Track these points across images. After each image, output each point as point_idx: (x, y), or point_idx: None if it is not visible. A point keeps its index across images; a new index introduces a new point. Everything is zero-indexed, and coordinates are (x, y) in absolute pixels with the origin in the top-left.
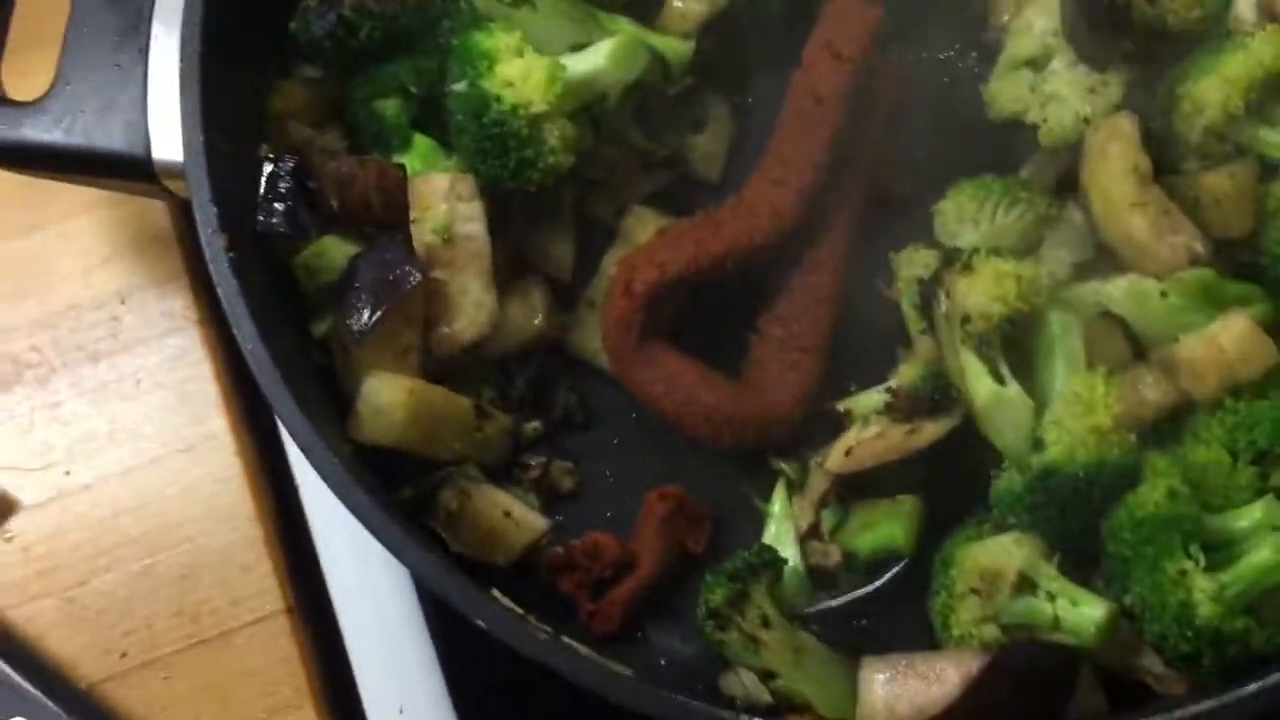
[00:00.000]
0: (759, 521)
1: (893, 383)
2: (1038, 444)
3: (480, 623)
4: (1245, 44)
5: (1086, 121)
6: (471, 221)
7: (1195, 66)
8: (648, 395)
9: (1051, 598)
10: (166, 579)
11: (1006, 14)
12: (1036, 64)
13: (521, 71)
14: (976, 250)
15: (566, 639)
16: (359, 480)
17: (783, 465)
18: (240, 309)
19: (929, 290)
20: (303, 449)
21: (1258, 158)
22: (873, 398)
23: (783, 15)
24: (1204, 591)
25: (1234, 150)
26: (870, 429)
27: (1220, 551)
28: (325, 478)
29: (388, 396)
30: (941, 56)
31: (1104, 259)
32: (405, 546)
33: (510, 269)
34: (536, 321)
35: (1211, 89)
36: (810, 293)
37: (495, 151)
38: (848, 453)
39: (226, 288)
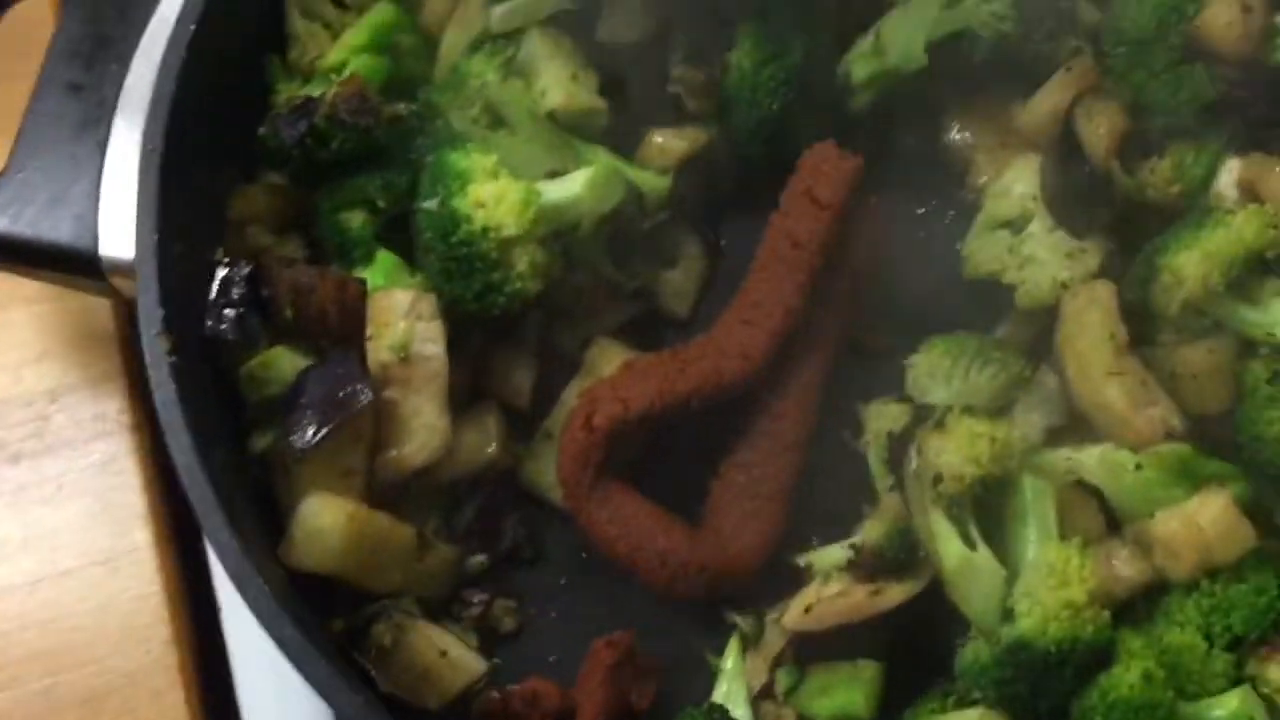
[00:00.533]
0: (709, 677)
1: (857, 539)
2: (1008, 615)
3: None
4: (1226, 221)
5: (1064, 286)
6: (431, 342)
7: (1175, 240)
8: (601, 536)
9: None
10: (69, 702)
11: (985, 175)
12: (1014, 225)
13: (495, 194)
14: (950, 408)
15: None
16: (288, 611)
17: (737, 619)
18: (177, 417)
19: (899, 446)
20: (231, 574)
21: (1235, 335)
22: (835, 553)
23: (762, 158)
24: None
25: (1212, 325)
26: (832, 586)
27: None
28: (252, 607)
29: (327, 519)
30: (919, 211)
31: (1077, 426)
32: (332, 685)
33: (466, 393)
34: (490, 449)
35: (1191, 263)
36: (775, 439)
37: (461, 272)
38: (807, 610)
39: (164, 393)
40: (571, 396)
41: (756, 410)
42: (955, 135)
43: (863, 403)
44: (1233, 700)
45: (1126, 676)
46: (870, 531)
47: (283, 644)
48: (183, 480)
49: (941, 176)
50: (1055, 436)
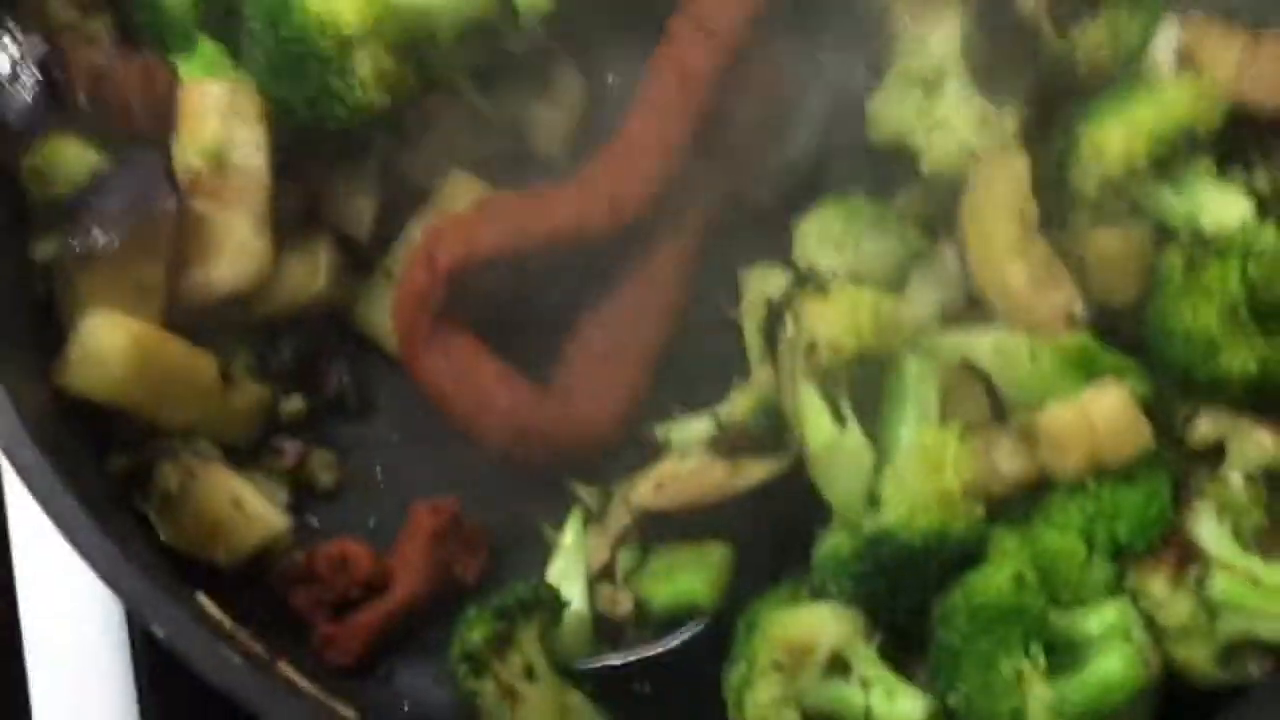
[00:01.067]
0: (544, 552)
1: (721, 412)
2: (874, 503)
3: (157, 630)
4: (1157, 91)
5: (975, 155)
6: (250, 147)
7: (1099, 109)
8: (436, 389)
9: (865, 685)
10: None
11: (902, 24)
12: (927, 84)
13: None
14: (834, 274)
15: (285, 666)
16: (35, 434)
17: (581, 491)
18: None
19: (775, 311)
20: None
21: (1154, 219)
22: (696, 426)
23: None
24: (1040, 700)
25: (1129, 209)
26: (688, 462)
27: (1063, 655)
28: None
29: (108, 339)
30: (822, 59)
31: (972, 308)
32: (79, 526)
33: (297, 219)
34: (318, 283)
35: (1114, 136)
36: (645, 299)
37: (292, 71)
38: (659, 485)
39: None
40: (416, 232)
41: (625, 267)
42: None
43: (743, 266)
44: (1110, 612)
45: (996, 577)
46: (737, 405)
47: (21, 469)
48: None
49: (852, 20)
50: (947, 317)
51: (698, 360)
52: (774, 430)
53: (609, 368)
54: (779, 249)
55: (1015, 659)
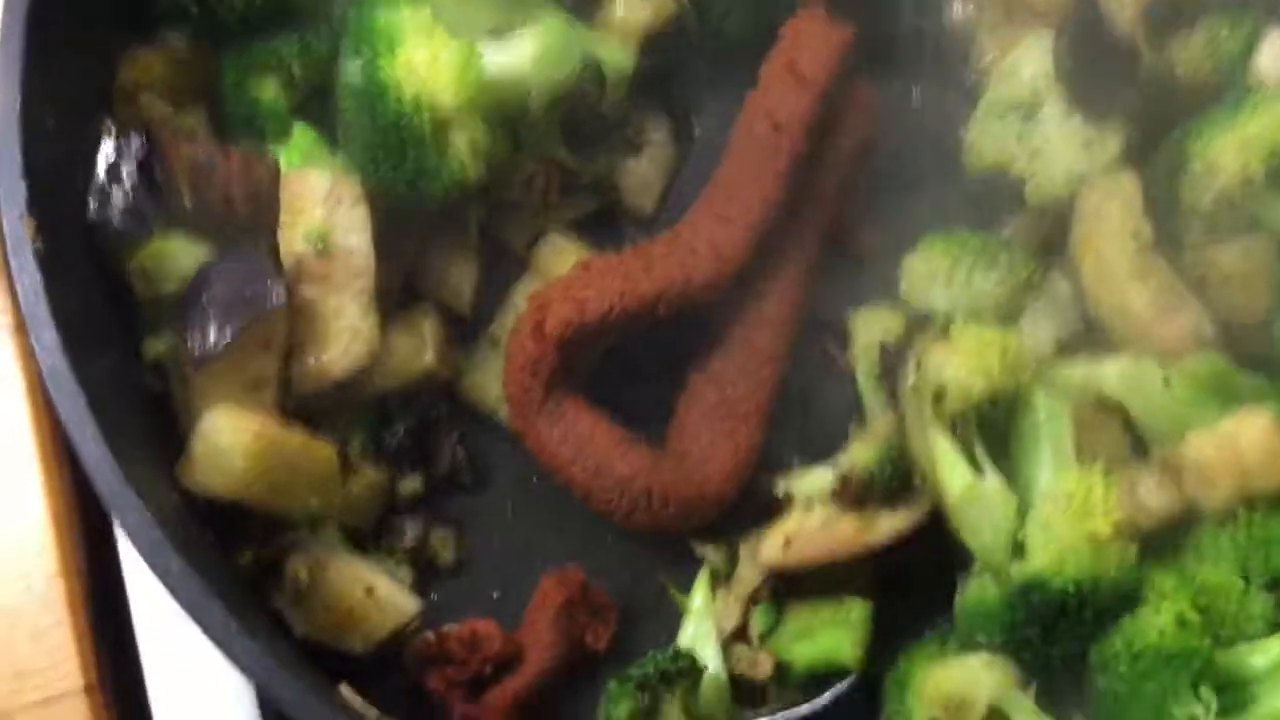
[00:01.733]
0: (674, 618)
1: (843, 462)
2: (1019, 550)
3: None
4: (1267, 102)
5: (1081, 179)
6: (353, 232)
7: (1208, 125)
8: (552, 458)
9: None
10: None
11: (990, 54)
12: (1023, 111)
13: (429, 57)
14: (953, 316)
15: None
16: (174, 539)
17: (706, 552)
18: (41, 310)
19: (895, 357)
20: (103, 492)
21: (1275, 232)
22: (818, 477)
23: (739, 30)
24: None
25: (1248, 222)
26: (814, 516)
27: (1229, 693)
28: (128, 530)
29: (230, 436)
30: (916, 93)
31: (1092, 337)
32: (226, 630)
33: (399, 295)
34: (426, 358)
35: (1227, 151)
36: (752, 351)
37: (390, 153)
38: (786, 543)
39: (26, 283)
40: (519, 299)
41: (730, 318)
42: (958, 8)
43: (850, 310)
44: (1275, 647)
45: (1156, 620)
46: (857, 454)
47: (165, 576)
48: (46, 384)
49: (942, 55)
50: (1068, 350)
51: (810, 409)
52: (902, 478)
53: (722, 424)
54: (885, 289)
55: (1187, 704)
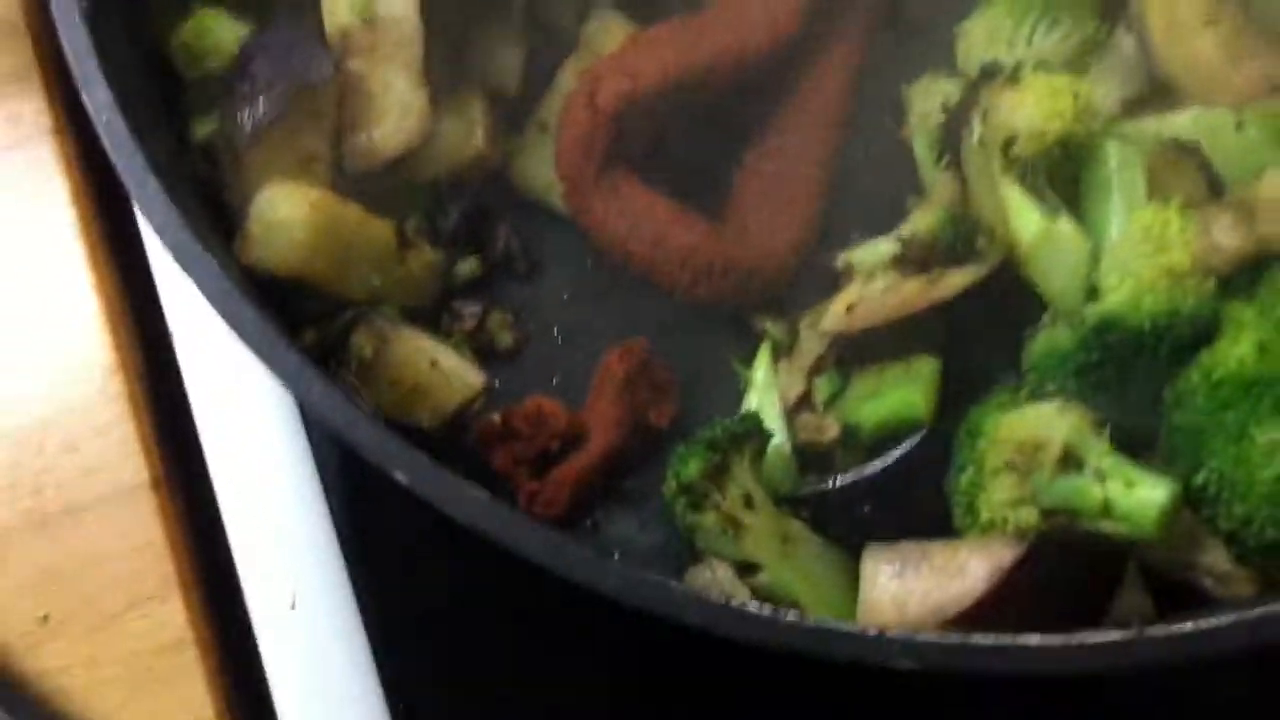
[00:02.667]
0: (737, 391)
1: (904, 231)
2: (1093, 293)
3: (400, 476)
4: None
5: None
6: (397, 1)
7: None
8: (610, 235)
9: (1102, 477)
10: (2, 439)
11: None
12: None
13: None
14: (1023, 63)
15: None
16: (248, 295)
17: (768, 325)
18: (93, 70)
19: (959, 114)
20: (169, 247)
21: None
22: (880, 248)
23: None
24: None
25: None
26: (876, 283)
27: None
28: (202, 287)
29: (287, 210)
30: None
31: (1159, 95)
32: (303, 377)
33: (446, 77)
34: (475, 141)
35: None
36: (809, 119)
37: None
38: (850, 309)
39: (76, 42)
40: (568, 79)
41: (785, 88)
42: None
43: (906, 83)
44: None
45: (1235, 350)
46: (919, 221)
47: (244, 332)
48: (105, 143)
49: None
50: (1133, 109)
51: (869, 187)
52: (966, 239)
53: (782, 194)
54: (941, 60)
55: (1270, 427)
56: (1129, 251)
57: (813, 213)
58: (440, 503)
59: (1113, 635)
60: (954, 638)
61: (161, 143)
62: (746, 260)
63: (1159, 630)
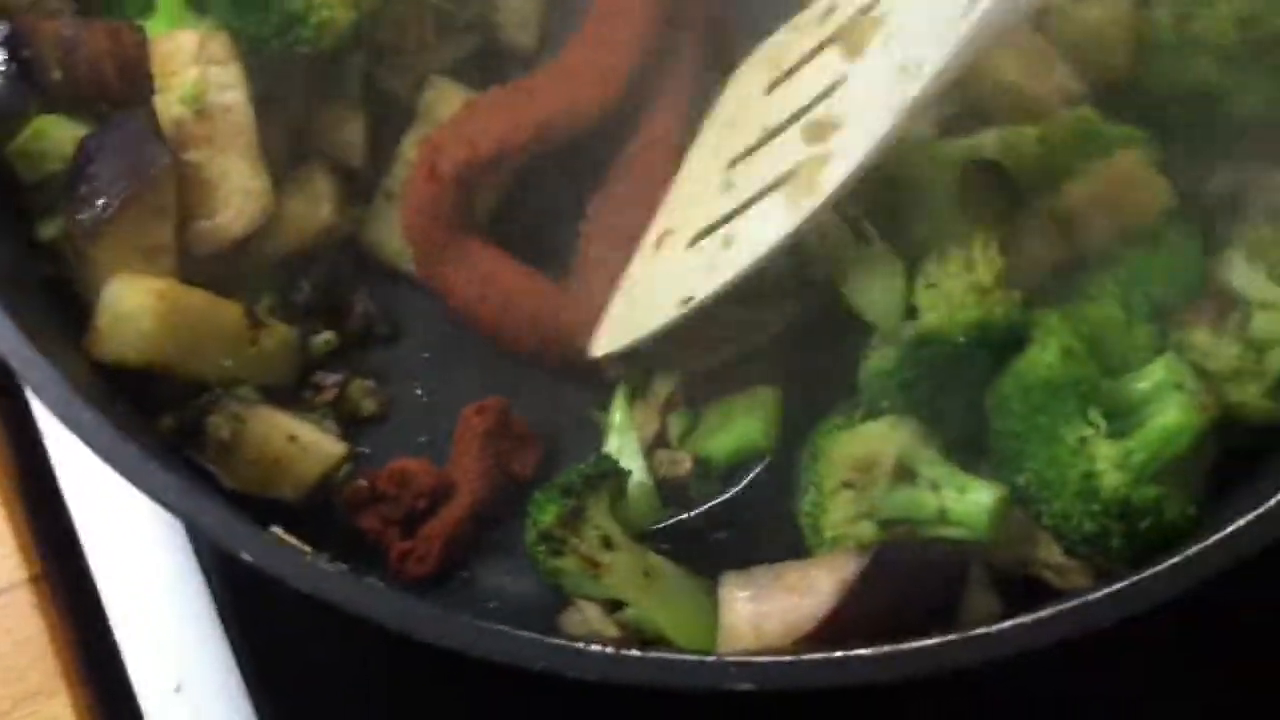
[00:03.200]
0: (598, 436)
1: None
2: (910, 312)
3: (246, 556)
4: None
5: None
6: (229, 89)
7: None
8: (460, 300)
9: (935, 486)
10: None
11: None
12: None
13: None
14: None
15: (370, 579)
16: (86, 396)
17: (619, 371)
18: None
19: None
20: (10, 358)
21: None
22: None
23: None
24: (1108, 460)
25: None
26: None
27: (1122, 419)
28: (40, 393)
29: (132, 301)
30: None
31: (970, 117)
32: (146, 470)
33: (289, 155)
34: (323, 214)
35: None
36: (646, 171)
37: (254, 4)
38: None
39: None
40: (410, 148)
41: (620, 135)
42: None
43: None
44: (1158, 370)
45: (1043, 356)
46: None
47: (82, 430)
48: None
49: None
50: (949, 131)
51: None
52: (797, 269)
53: (623, 248)
54: None
55: (1077, 427)
56: (939, 273)
57: None
58: (286, 578)
59: (931, 640)
60: (786, 656)
61: (7, 248)
62: (593, 319)
63: (975, 631)
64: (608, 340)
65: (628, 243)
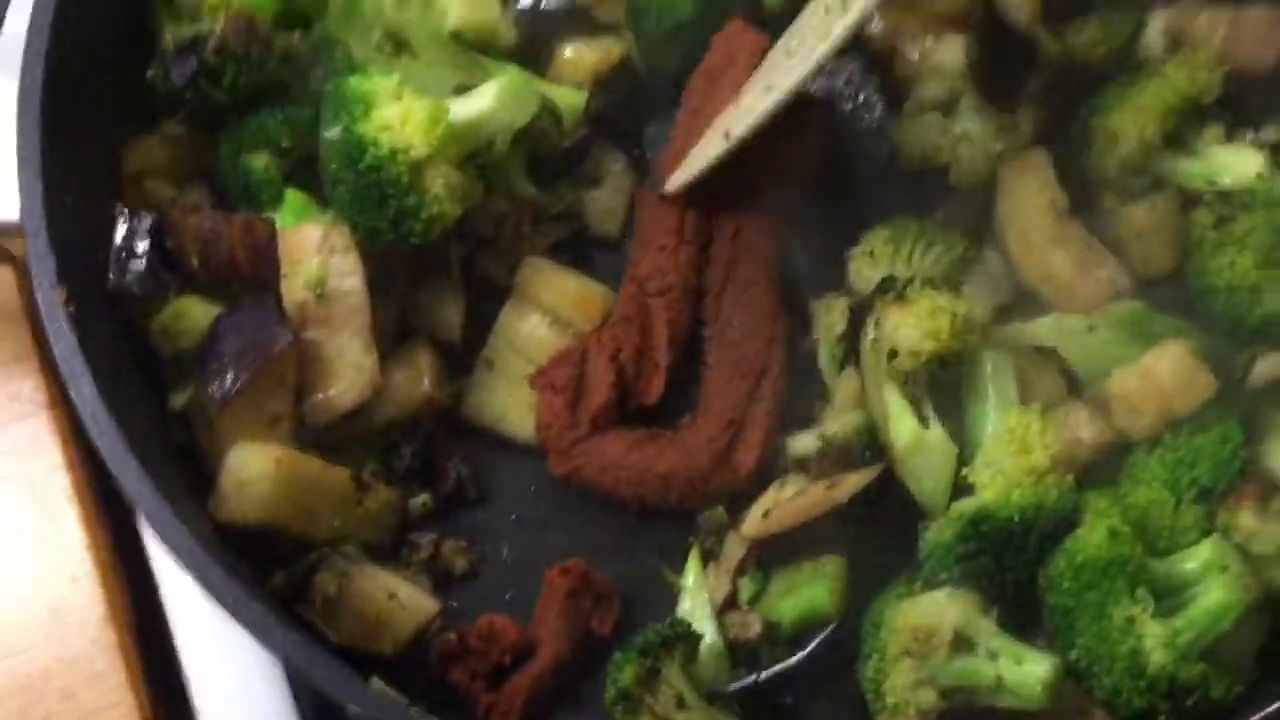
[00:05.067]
0: (672, 598)
1: (825, 430)
2: (969, 488)
3: (354, 708)
4: (1158, 73)
5: (1000, 159)
6: (348, 276)
7: (1108, 99)
8: (601, 488)
9: (992, 656)
10: (6, 691)
11: (911, 61)
12: (944, 107)
13: (400, 114)
14: (911, 280)
15: None
16: (214, 555)
17: (710, 520)
18: (79, 366)
19: (858, 317)
20: (150, 522)
21: (1177, 188)
22: (804, 441)
23: (679, 66)
24: (1155, 638)
25: (1152, 183)
26: (789, 488)
27: (1170, 598)
28: (176, 553)
29: (254, 468)
30: (848, 108)
31: (1024, 302)
32: (266, 625)
33: (395, 332)
34: (423, 388)
35: (1126, 121)
36: (751, 308)
37: (373, 200)
38: (764, 515)
39: (63, 343)
40: (507, 322)
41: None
42: (877, 25)
43: (813, 299)
44: (1204, 550)
45: (1092, 536)
46: (833, 424)
47: (211, 588)
48: (89, 431)
49: (868, 68)
50: (1003, 315)
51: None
52: (872, 446)
53: (743, 382)
54: (840, 282)
55: (1125, 606)
56: (998, 451)
57: (772, 422)
58: None
59: None
60: None
61: (142, 416)
62: (718, 471)
63: None
64: (676, 177)
65: (746, 375)
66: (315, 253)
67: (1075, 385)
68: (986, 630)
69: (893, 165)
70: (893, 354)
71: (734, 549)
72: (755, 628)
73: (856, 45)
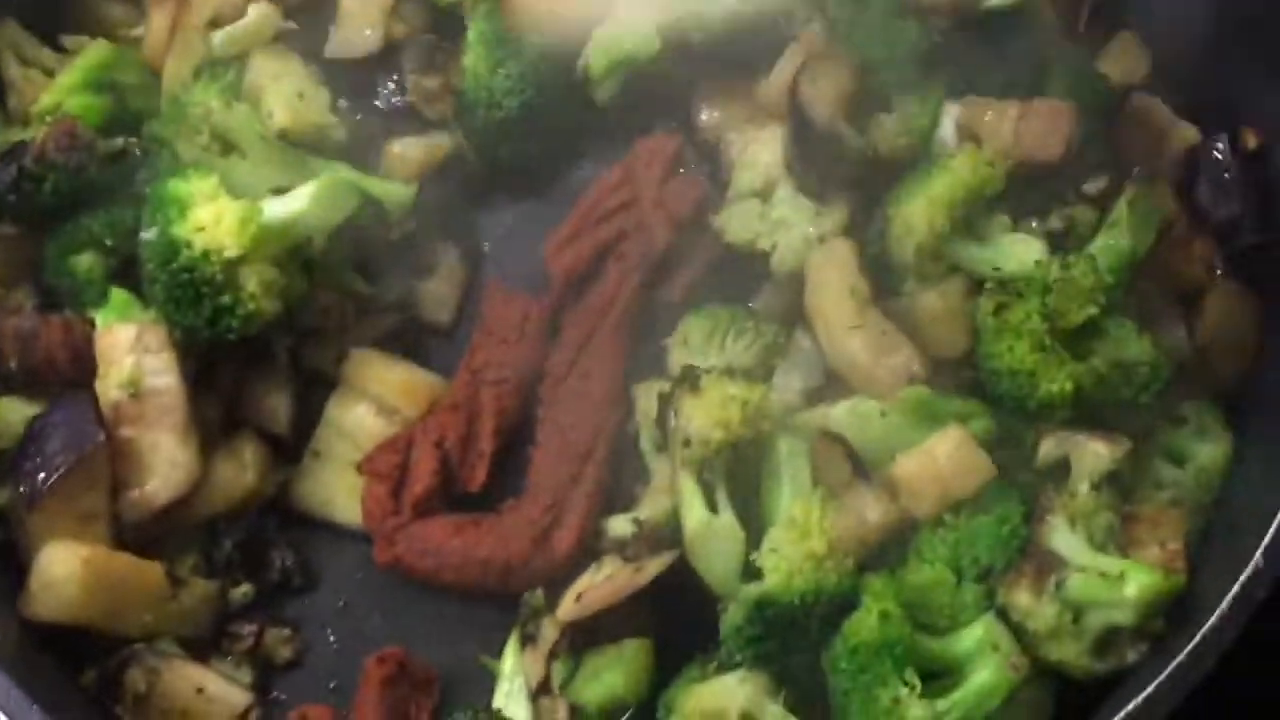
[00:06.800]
0: (490, 681)
1: (640, 514)
2: (756, 573)
3: None
4: (947, 165)
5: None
6: (161, 374)
7: (904, 190)
8: (423, 573)
9: None
10: None
11: (734, 150)
12: (763, 194)
13: (213, 216)
14: (709, 371)
15: None
16: (12, 670)
17: (534, 601)
18: None
19: (664, 407)
20: None
21: (967, 274)
22: (618, 525)
23: (509, 158)
24: (919, 719)
25: (949, 269)
26: (601, 571)
27: (944, 678)
28: None
29: (61, 567)
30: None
31: (833, 386)
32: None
33: (221, 425)
34: (248, 479)
35: (918, 210)
36: (588, 397)
37: (188, 299)
38: (578, 598)
39: None
40: (334, 413)
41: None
42: (705, 116)
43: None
44: (978, 629)
45: (866, 620)
46: (647, 507)
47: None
48: None
49: (701, 158)
50: (814, 397)
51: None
52: (679, 526)
53: (568, 467)
54: (663, 367)
55: (891, 688)
56: (781, 537)
57: (591, 509)
58: None
59: None
60: None
61: None
62: (537, 554)
63: None
64: None
65: (571, 460)
66: (129, 352)
67: (862, 469)
68: (774, 714)
69: (715, 250)
70: (686, 442)
71: (549, 632)
72: (562, 714)
73: (689, 133)
